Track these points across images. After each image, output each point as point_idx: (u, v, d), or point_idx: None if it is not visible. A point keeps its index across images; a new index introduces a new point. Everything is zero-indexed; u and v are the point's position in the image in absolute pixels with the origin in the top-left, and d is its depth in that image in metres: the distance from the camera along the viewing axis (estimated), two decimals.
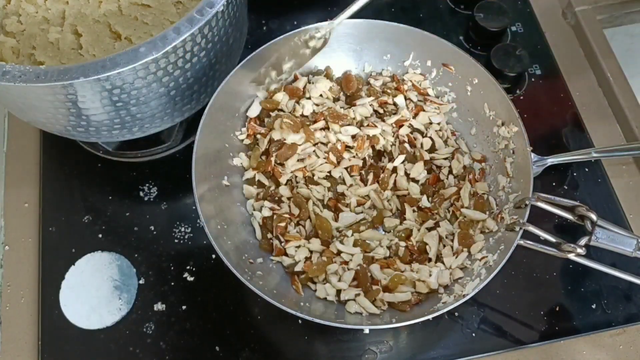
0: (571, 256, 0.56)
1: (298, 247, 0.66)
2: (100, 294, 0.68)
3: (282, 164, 0.69)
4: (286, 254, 0.66)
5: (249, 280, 0.58)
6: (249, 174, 0.70)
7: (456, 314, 0.67)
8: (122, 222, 0.73)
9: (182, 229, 0.72)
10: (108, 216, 0.73)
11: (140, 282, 0.69)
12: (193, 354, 0.66)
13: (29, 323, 0.68)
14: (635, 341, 0.67)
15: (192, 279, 0.69)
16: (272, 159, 0.69)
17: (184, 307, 0.68)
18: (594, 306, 0.68)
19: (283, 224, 0.66)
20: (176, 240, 0.72)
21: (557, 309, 0.68)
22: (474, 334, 0.66)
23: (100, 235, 0.72)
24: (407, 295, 0.62)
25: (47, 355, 0.66)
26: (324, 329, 0.59)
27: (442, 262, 0.64)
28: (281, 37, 0.70)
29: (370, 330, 0.65)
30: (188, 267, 0.70)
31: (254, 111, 0.72)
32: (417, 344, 0.67)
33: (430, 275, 0.63)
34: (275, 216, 0.67)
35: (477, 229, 0.66)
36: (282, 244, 0.66)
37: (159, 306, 0.68)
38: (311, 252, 0.66)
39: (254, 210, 0.69)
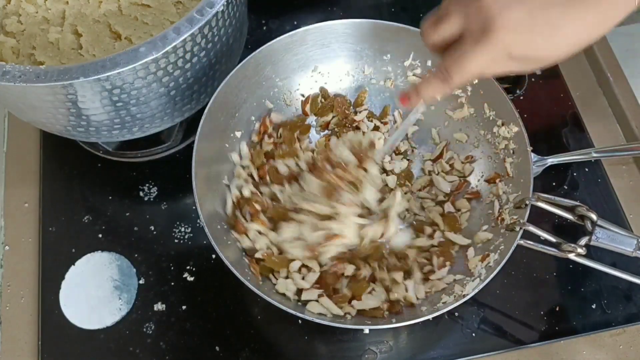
0: (571, 256, 0.56)
1: (260, 233, 0.64)
2: (100, 294, 0.68)
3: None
4: (248, 236, 0.64)
5: (249, 280, 0.58)
6: (245, 162, 0.69)
7: (456, 314, 0.67)
8: (122, 222, 0.73)
9: (182, 229, 0.72)
10: (108, 216, 0.73)
11: (140, 282, 0.69)
12: (193, 354, 0.66)
13: (29, 323, 0.68)
14: (635, 341, 0.67)
15: (192, 279, 0.69)
16: (267, 168, 0.68)
17: (184, 307, 0.68)
18: (593, 306, 0.68)
19: (258, 207, 0.65)
20: (176, 240, 0.72)
21: (557, 309, 0.68)
22: (474, 334, 0.66)
23: (100, 235, 0.72)
24: (375, 302, 0.61)
25: (47, 355, 0.66)
26: (324, 329, 0.59)
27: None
28: (281, 37, 0.70)
29: (370, 330, 0.65)
30: (188, 267, 0.70)
31: (276, 118, 0.73)
32: (417, 344, 0.67)
33: (407, 290, 0.62)
34: (253, 195, 0.66)
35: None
36: (247, 223, 0.64)
37: (159, 306, 0.68)
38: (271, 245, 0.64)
39: (236, 188, 0.67)
